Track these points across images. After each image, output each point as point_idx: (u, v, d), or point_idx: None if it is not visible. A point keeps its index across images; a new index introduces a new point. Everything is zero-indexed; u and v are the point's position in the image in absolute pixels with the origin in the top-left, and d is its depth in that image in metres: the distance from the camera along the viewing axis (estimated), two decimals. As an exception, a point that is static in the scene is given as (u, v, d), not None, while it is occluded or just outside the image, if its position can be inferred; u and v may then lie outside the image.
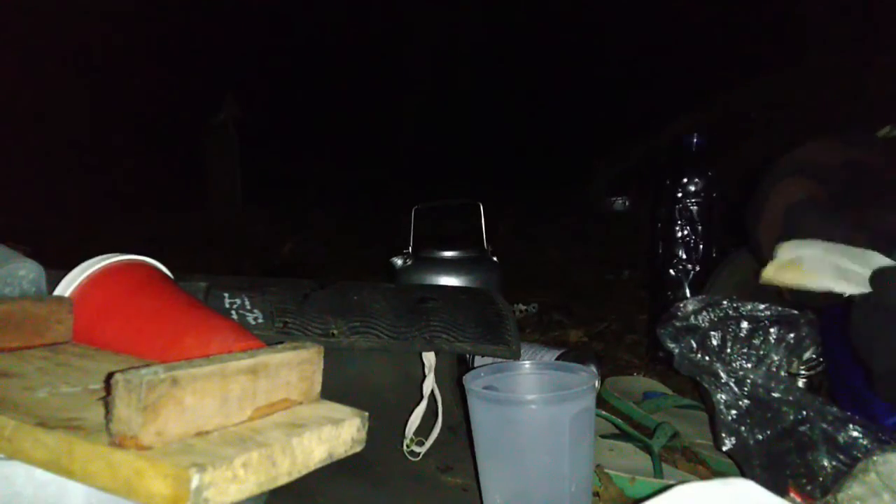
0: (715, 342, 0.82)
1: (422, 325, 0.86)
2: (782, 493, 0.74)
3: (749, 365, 0.81)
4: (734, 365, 0.81)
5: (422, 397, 0.86)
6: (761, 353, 0.81)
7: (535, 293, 1.89)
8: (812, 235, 0.66)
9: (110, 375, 0.43)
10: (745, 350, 0.82)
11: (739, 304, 0.83)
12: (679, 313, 0.85)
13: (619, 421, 0.97)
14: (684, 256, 1.32)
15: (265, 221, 3.89)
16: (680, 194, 1.30)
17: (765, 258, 0.72)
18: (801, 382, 0.85)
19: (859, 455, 0.71)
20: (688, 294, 1.30)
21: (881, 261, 0.69)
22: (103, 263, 0.69)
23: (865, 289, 0.68)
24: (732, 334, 0.82)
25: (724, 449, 0.80)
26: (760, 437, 0.78)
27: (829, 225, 0.65)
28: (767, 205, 0.74)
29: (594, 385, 0.73)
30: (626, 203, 3.40)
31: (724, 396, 0.80)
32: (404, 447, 0.85)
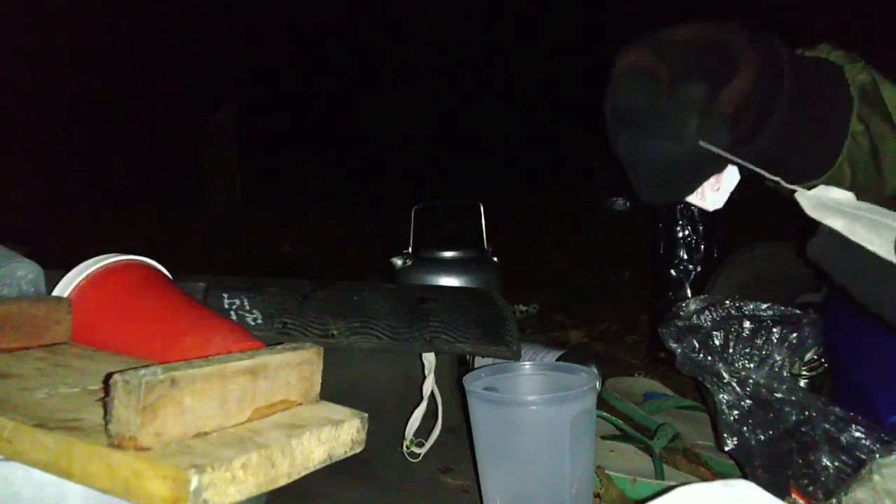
0: (717, 342, 0.82)
1: (422, 325, 0.86)
2: (784, 493, 0.73)
3: (751, 365, 0.81)
4: (736, 365, 0.81)
5: (422, 398, 0.86)
6: (763, 353, 0.81)
7: (535, 293, 1.89)
8: (631, 103, 0.63)
9: (109, 376, 0.43)
10: (747, 350, 0.81)
11: (742, 304, 0.83)
12: (681, 313, 0.85)
13: (620, 422, 0.97)
14: (685, 256, 1.32)
15: (265, 221, 3.89)
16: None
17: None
18: (803, 383, 0.85)
19: (861, 455, 0.71)
20: (689, 294, 1.30)
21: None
22: (102, 264, 0.69)
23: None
24: (735, 334, 0.82)
25: (726, 449, 0.80)
26: (762, 437, 0.77)
27: (643, 93, 0.63)
28: (611, 72, 0.72)
29: (595, 386, 0.73)
30: (627, 203, 3.40)
31: (726, 397, 0.80)
32: (404, 448, 0.85)
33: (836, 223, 0.62)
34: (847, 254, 0.62)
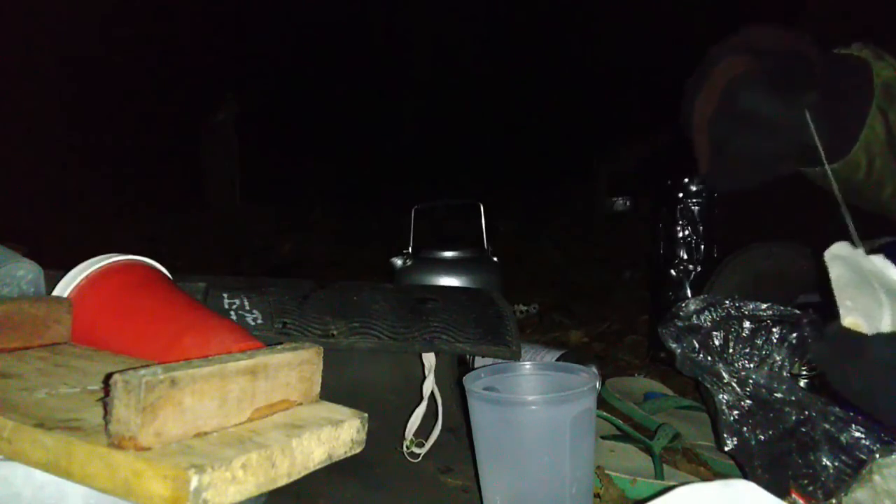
0: (717, 342, 0.82)
1: (422, 325, 0.86)
2: (784, 493, 0.73)
3: (751, 365, 0.81)
4: (736, 365, 0.81)
5: (422, 398, 0.86)
6: (763, 353, 0.81)
7: (535, 293, 1.89)
8: (749, 107, 0.73)
9: (109, 376, 0.43)
10: (747, 350, 0.81)
11: (741, 304, 0.83)
12: (681, 313, 0.85)
13: (620, 422, 0.97)
14: (685, 256, 1.32)
15: (265, 221, 3.88)
16: (681, 194, 1.30)
17: (690, 133, 0.82)
18: (803, 383, 0.85)
19: (862, 455, 0.71)
20: (689, 294, 1.30)
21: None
22: (102, 264, 0.69)
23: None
24: (734, 334, 0.82)
25: (727, 449, 0.80)
26: (762, 437, 0.77)
27: (765, 97, 0.72)
28: (708, 79, 0.82)
29: (595, 386, 0.73)
30: (627, 203, 3.40)
31: (726, 397, 0.80)
32: (404, 448, 0.85)
33: (834, 272, 0.69)
34: (845, 361, 0.68)
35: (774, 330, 0.81)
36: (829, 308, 0.90)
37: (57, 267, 0.71)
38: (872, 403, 0.65)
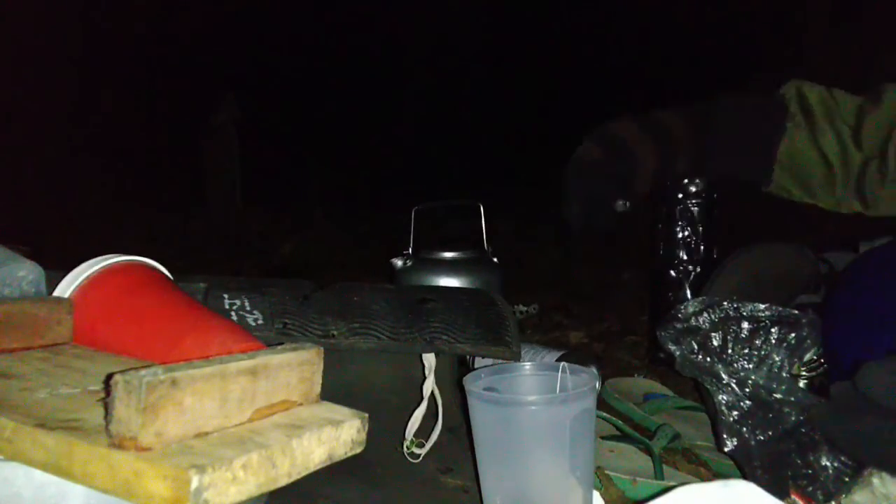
0: (716, 343, 0.82)
1: (422, 326, 0.86)
2: (783, 494, 0.74)
3: (750, 366, 0.81)
4: (735, 366, 0.81)
5: (422, 398, 0.86)
6: (762, 353, 0.81)
7: (535, 293, 1.89)
8: (581, 189, 0.89)
9: (110, 376, 0.43)
10: (745, 351, 0.81)
11: (740, 305, 0.83)
12: (679, 315, 0.85)
13: (620, 422, 0.97)
14: (685, 257, 1.32)
15: (265, 221, 3.89)
16: (681, 195, 1.30)
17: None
18: (802, 383, 0.85)
19: (861, 456, 0.71)
20: (688, 295, 1.30)
21: None
22: (103, 264, 0.69)
23: None
24: (733, 335, 0.82)
25: (726, 450, 0.80)
26: (762, 437, 0.78)
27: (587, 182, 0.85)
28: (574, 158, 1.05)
29: (595, 386, 0.73)
30: (627, 203, 3.40)
31: (725, 398, 0.80)
32: (404, 448, 0.85)
33: None
34: (848, 419, 0.70)
35: (773, 330, 0.81)
36: (826, 307, 0.90)
37: (58, 267, 0.72)
38: (879, 458, 0.66)
